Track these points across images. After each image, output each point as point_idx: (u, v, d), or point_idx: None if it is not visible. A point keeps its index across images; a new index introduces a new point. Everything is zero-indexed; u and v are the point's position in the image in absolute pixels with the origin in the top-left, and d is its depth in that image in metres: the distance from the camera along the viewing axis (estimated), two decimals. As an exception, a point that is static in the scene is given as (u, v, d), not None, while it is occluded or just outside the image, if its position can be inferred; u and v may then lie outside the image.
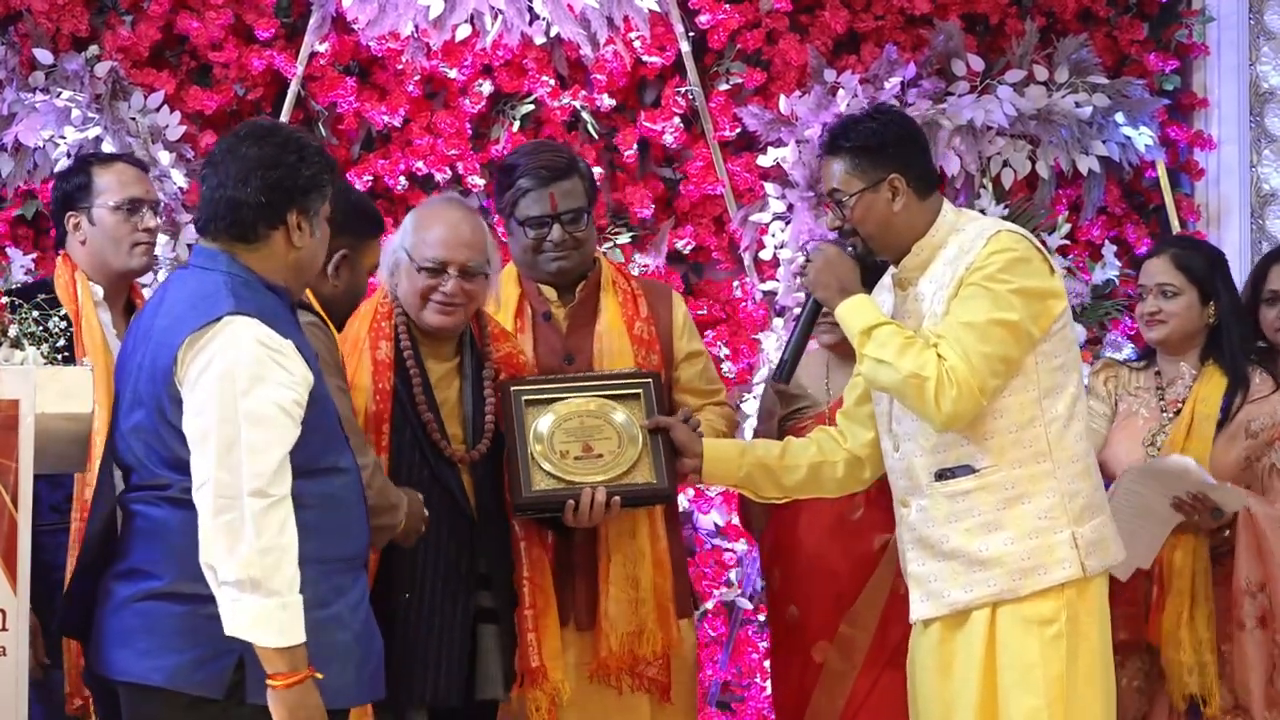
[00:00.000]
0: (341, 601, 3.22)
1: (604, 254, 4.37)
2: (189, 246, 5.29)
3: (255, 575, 3.02)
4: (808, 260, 3.75)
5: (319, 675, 3.10)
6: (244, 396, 3.09)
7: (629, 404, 3.95)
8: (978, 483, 3.59)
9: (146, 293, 5.15)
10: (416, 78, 5.47)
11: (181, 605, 3.13)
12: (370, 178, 5.43)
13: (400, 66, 5.46)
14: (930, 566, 3.64)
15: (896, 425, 3.71)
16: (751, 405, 5.25)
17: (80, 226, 4.02)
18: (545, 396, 3.93)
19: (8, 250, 5.28)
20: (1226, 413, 4.10)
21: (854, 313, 3.63)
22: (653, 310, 4.19)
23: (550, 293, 4.18)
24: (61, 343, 3.32)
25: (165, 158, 5.28)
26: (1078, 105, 5.54)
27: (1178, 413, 4.18)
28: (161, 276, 5.24)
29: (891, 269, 3.77)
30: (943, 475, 3.62)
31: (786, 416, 4.40)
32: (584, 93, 5.52)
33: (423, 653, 3.69)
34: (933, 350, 3.53)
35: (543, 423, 3.90)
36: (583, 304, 4.17)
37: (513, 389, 3.91)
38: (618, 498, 3.86)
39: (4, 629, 3.11)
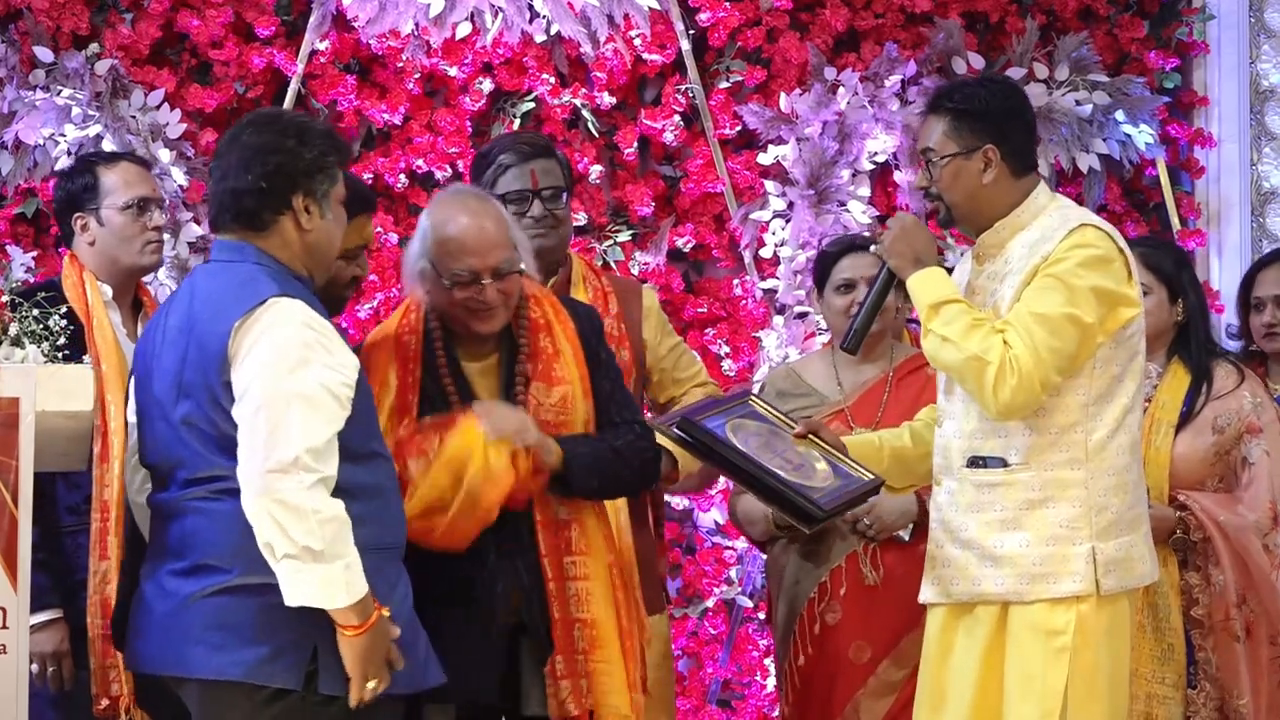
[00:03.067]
0: (394, 594, 3.21)
1: (576, 253, 4.33)
2: (189, 245, 5.30)
3: (316, 546, 3.02)
4: (884, 229, 3.67)
5: (386, 612, 3.12)
6: (291, 376, 3.08)
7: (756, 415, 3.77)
8: (1006, 477, 3.52)
9: (164, 291, 5.18)
10: (417, 76, 5.47)
11: (254, 598, 3.11)
12: (370, 176, 5.43)
13: (400, 64, 5.46)
14: (947, 551, 3.59)
15: (945, 401, 3.65)
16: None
17: (89, 227, 3.99)
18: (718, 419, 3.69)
19: (8, 248, 5.28)
20: (1190, 408, 4.10)
21: (925, 285, 3.55)
22: (623, 307, 4.18)
23: None
24: (61, 340, 3.31)
25: (165, 156, 5.28)
26: (1078, 103, 5.55)
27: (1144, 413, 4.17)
28: (163, 275, 5.25)
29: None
30: (974, 462, 3.56)
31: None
32: (584, 91, 5.52)
33: (455, 654, 3.40)
34: (1000, 336, 3.45)
35: (747, 439, 3.63)
36: None
37: (692, 420, 3.61)
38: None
39: (4, 627, 3.10)
